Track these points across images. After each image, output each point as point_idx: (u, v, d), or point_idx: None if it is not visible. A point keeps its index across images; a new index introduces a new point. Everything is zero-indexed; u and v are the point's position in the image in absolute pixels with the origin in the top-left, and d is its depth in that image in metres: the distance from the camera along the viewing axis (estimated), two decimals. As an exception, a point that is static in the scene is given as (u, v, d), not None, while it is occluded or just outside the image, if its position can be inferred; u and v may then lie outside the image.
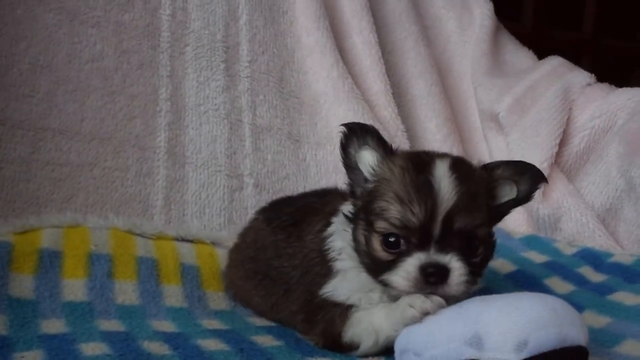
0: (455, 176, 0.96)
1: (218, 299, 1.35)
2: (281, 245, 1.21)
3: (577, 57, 2.53)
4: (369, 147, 1.03)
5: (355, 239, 1.04)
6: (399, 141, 1.99)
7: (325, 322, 1.07)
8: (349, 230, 1.06)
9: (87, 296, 1.18)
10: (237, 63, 1.92)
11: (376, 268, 1.00)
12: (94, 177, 1.57)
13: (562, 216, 1.76)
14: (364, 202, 1.02)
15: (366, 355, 1.04)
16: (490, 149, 2.08)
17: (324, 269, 1.09)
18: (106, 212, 1.50)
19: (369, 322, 1.03)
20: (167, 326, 1.15)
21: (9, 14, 1.57)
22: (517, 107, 1.97)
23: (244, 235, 1.37)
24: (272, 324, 1.23)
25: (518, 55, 2.26)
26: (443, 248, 0.95)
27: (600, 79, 2.03)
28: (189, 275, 1.36)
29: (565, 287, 1.45)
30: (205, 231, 1.59)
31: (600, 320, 1.26)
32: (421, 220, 0.94)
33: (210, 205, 1.69)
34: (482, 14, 2.29)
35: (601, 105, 1.85)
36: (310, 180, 1.89)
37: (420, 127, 2.17)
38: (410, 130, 2.13)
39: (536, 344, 0.85)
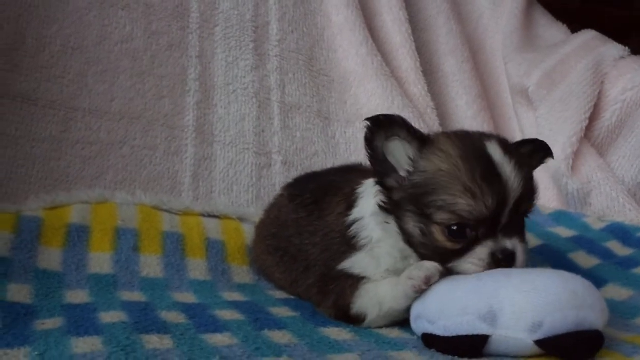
0: (515, 161, 0.97)
1: (242, 273, 1.38)
2: (303, 224, 1.22)
3: (626, 34, 2.45)
4: (398, 138, 1.02)
5: (405, 231, 1.03)
6: (429, 118, 1.99)
7: (337, 293, 1.09)
8: (391, 222, 1.05)
9: (112, 269, 1.23)
10: (266, 42, 1.94)
11: (440, 258, 1.00)
12: (123, 155, 1.62)
13: (591, 191, 1.74)
14: (411, 194, 1.00)
15: (379, 327, 1.06)
16: (521, 125, 2.05)
17: (344, 248, 1.10)
18: (134, 190, 1.55)
19: (375, 293, 1.05)
20: (188, 298, 1.18)
21: (40, -2, 1.63)
22: (547, 81, 1.94)
23: (269, 211, 1.40)
24: (291, 297, 1.26)
25: (551, 29, 2.22)
26: (508, 233, 0.98)
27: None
28: (214, 249, 1.40)
29: (590, 261, 1.44)
30: (233, 207, 1.62)
31: (623, 293, 1.27)
32: (492, 211, 0.95)
33: (238, 183, 1.72)
34: (515, -11, 2.26)
35: (634, 78, 1.81)
36: (340, 158, 1.91)
37: (451, 105, 2.16)
38: (441, 108, 2.13)
39: (551, 326, 0.86)
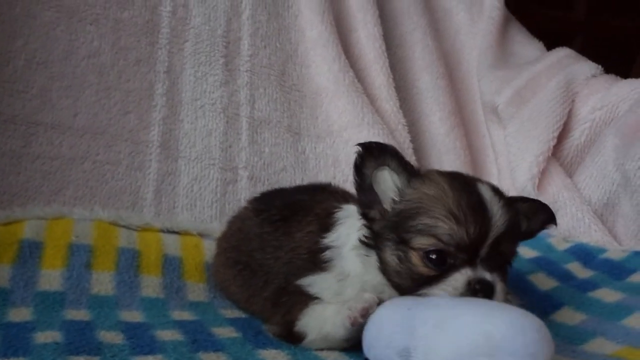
0: (503, 202, 0.97)
1: (198, 290, 1.38)
2: (267, 238, 1.22)
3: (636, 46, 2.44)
4: (387, 169, 1.02)
5: (382, 261, 1.02)
6: (400, 135, 1.99)
7: (287, 307, 1.09)
8: (371, 255, 1.04)
9: (61, 286, 1.23)
10: (237, 57, 1.94)
11: (414, 285, 0.98)
12: (84, 170, 1.61)
13: (557, 211, 1.72)
14: (393, 222, 1.00)
15: (320, 349, 1.06)
16: (492, 142, 2.05)
17: (309, 265, 1.10)
18: (93, 205, 1.55)
19: (320, 314, 1.05)
20: (134, 316, 1.18)
21: (6, 13, 1.63)
22: (517, 99, 1.93)
23: (231, 223, 1.39)
24: (242, 315, 1.26)
25: (527, 46, 2.22)
26: (488, 266, 0.96)
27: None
28: (171, 266, 1.40)
29: (549, 283, 1.44)
30: (195, 223, 1.63)
31: (576, 317, 1.26)
32: (473, 239, 0.94)
33: (202, 198, 1.72)
34: (491, 6, 2.26)
35: (603, 97, 1.81)
36: (309, 173, 1.91)
37: (425, 121, 2.16)
38: (415, 124, 2.13)
39: None
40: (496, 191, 1.00)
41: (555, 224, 1.13)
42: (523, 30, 2.30)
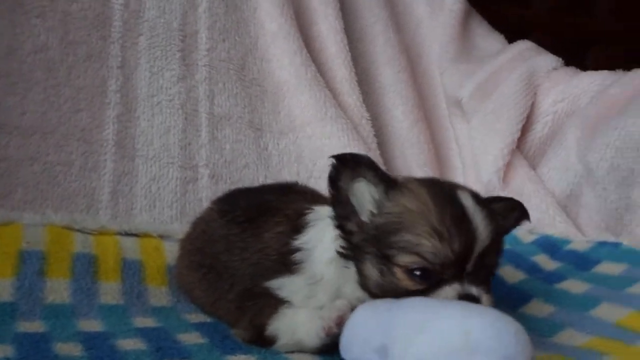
0: (485, 213, 0.94)
1: (160, 295, 1.31)
2: (233, 240, 1.17)
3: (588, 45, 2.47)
4: (364, 180, 0.98)
5: (362, 274, 0.98)
6: (363, 129, 1.96)
7: (254, 311, 1.05)
8: (350, 267, 1.00)
9: (12, 296, 1.14)
10: (194, 52, 1.88)
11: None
12: (33, 172, 1.53)
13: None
14: (373, 236, 0.96)
15: (290, 351, 1.02)
16: (456, 136, 2.04)
17: (278, 267, 1.06)
18: (45, 209, 1.47)
19: (292, 319, 1.01)
20: (93, 325, 1.11)
21: (-58, 6, 1.54)
22: (480, 92, 1.93)
23: (195, 224, 1.34)
24: (208, 319, 1.21)
25: (488, 39, 2.22)
26: (473, 280, 0.93)
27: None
28: (131, 270, 1.33)
29: (516, 276, 1.43)
30: (154, 224, 1.57)
31: (545, 310, 1.25)
32: (458, 256, 0.91)
33: (161, 198, 1.66)
34: (452, -1, 2.24)
35: (564, 89, 1.82)
36: (272, 170, 1.86)
37: (387, 115, 2.13)
38: (378, 118, 2.10)
39: None
40: (478, 200, 0.97)
41: (529, 219, 1.12)
42: (484, 24, 2.30)
